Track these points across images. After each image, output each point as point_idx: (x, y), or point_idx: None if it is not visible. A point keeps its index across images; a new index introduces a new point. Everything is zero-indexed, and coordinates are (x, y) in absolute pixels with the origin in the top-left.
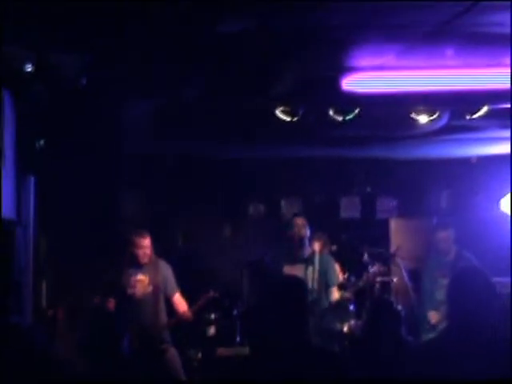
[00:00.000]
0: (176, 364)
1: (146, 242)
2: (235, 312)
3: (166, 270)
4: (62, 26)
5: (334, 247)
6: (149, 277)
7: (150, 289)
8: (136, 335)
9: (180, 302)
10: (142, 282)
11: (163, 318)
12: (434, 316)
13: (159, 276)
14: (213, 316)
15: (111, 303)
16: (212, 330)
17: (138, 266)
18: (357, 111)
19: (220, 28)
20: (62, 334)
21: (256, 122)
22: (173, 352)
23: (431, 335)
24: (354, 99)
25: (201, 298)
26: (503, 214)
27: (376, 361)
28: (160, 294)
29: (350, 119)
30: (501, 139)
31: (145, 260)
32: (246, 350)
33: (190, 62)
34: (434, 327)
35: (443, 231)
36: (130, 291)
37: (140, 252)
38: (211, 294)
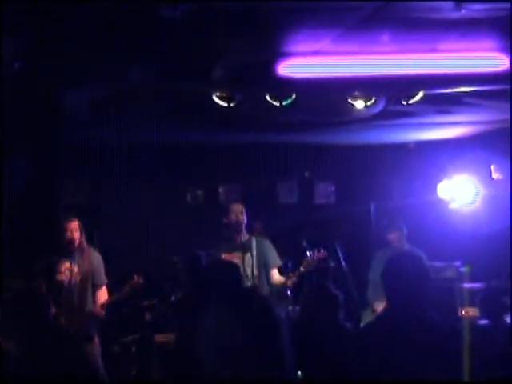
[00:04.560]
0: (96, 356)
1: (73, 225)
2: (173, 298)
3: (96, 260)
4: None
5: (273, 234)
6: (77, 265)
7: (77, 277)
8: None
9: (103, 296)
10: (69, 269)
11: (89, 307)
12: (380, 305)
13: (88, 265)
14: (150, 302)
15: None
16: (149, 316)
17: (67, 252)
18: (294, 97)
19: (155, 12)
20: None
21: (193, 107)
22: (96, 343)
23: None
24: (290, 84)
25: (126, 286)
26: (440, 199)
27: (314, 346)
28: (87, 284)
29: (287, 104)
30: (437, 124)
31: (73, 245)
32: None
33: (125, 48)
34: None
35: (394, 232)
36: (58, 277)
37: (68, 236)
38: (136, 279)
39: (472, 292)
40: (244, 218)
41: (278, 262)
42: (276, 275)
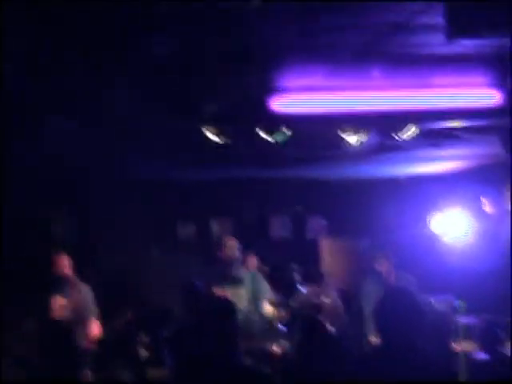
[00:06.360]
0: None
1: (64, 261)
2: (165, 333)
3: (86, 294)
4: None
5: (266, 268)
6: (69, 300)
7: (68, 312)
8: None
9: (94, 328)
10: (61, 305)
11: (81, 342)
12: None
13: (79, 299)
14: (143, 338)
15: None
16: (143, 352)
17: (59, 288)
18: (287, 132)
19: (145, 47)
20: None
21: (185, 142)
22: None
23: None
24: (282, 120)
25: (117, 320)
26: (432, 232)
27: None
28: (79, 318)
29: (280, 140)
30: (429, 159)
31: (65, 280)
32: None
33: (116, 81)
34: None
35: (383, 262)
36: (51, 314)
37: (59, 272)
38: (128, 316)
39: (468, 326)
40: (238, 253)
41: (270, 295)
42: (267, 307)
